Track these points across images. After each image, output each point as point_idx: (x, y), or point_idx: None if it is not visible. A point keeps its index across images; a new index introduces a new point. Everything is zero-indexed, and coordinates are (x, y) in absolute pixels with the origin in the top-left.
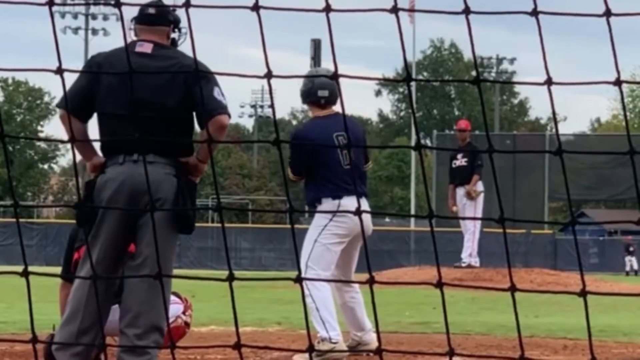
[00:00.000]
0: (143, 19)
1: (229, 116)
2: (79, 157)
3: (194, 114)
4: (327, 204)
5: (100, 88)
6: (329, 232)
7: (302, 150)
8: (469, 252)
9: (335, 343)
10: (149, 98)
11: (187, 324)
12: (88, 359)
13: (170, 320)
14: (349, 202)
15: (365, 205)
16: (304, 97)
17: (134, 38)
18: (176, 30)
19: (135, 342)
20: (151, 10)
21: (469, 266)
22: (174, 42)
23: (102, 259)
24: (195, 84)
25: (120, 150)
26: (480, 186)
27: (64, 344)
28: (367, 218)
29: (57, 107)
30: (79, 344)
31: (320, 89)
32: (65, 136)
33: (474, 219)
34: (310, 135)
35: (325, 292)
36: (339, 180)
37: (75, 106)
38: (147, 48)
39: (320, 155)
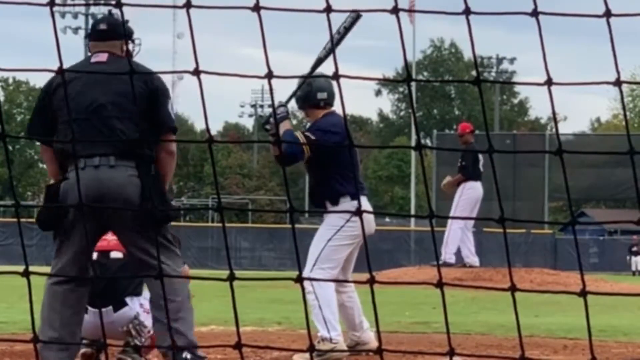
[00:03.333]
0: (95, 35)
1: (176, 130)
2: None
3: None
4: (346, 204)
5: (58, 104)
6: (344, 233)
7: (330, 141)
8: (452, 250)
9: (335, 343)
10: (110, 100)
11: None
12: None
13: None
14: (364, 203)
15: (368, 205)
16: (302, 101)
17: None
18: (130, 42)
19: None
20: (102, 26)
21: (444, 264)
22: (129, 54)
23: (71, 264)
24: (153, 96)
25: (80, 155)
26: (473, 187)
27: (52, 342)
28: (371, 218)
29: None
30: (65, 343)
31: (319, 91)
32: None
33: (475, 219)
34: (335, 129)
35: (330, 291)
36: (355, 178)
37: (45, 133)
38: (102, 57)
39: (343, 150)
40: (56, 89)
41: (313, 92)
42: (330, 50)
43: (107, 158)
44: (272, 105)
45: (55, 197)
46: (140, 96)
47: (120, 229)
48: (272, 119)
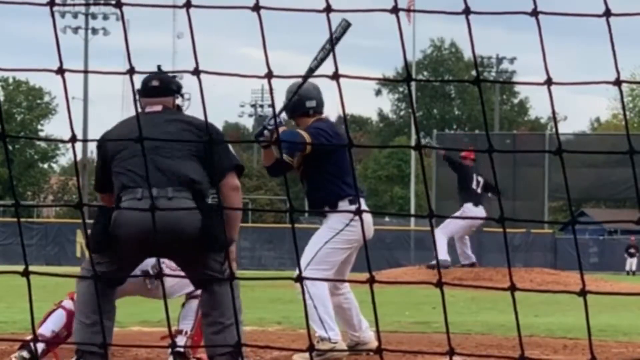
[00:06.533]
0: (148, 92)
1: (242, 169)
2: (79, 157)
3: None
4: (344, 207)
5: (113, 148)
6: (342, 237)
7: (329, 143)
8: (442, 255)
9: (335, 343)
10: (166, 144)
11: None
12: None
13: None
14: (363, 206)
15: (366, 208)
16: (291, 111)
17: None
18: (179, 96)
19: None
20: (155, 83)
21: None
22: (179, 109)
23: (114, 273)
24: (209, 146)
25: (138, 186)
26: (471, 211)
27: (82, 343)
28: (370, 222)
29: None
30: (93, 344)
31: (308, 100)
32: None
33: (475, 218)
34: (326, 133)
35: (324, 291)
36: (352, 181)
37: (108, 185)
38: (157, 108)
39: (339, 153)
40: (110, 147)
41: (302, 101)
42: (322, 60)
43: (165, 190)
44: (272, 105)
45: (108, 222)
46: (197, 144)
47: (176, 259)
48: (265, 131)
